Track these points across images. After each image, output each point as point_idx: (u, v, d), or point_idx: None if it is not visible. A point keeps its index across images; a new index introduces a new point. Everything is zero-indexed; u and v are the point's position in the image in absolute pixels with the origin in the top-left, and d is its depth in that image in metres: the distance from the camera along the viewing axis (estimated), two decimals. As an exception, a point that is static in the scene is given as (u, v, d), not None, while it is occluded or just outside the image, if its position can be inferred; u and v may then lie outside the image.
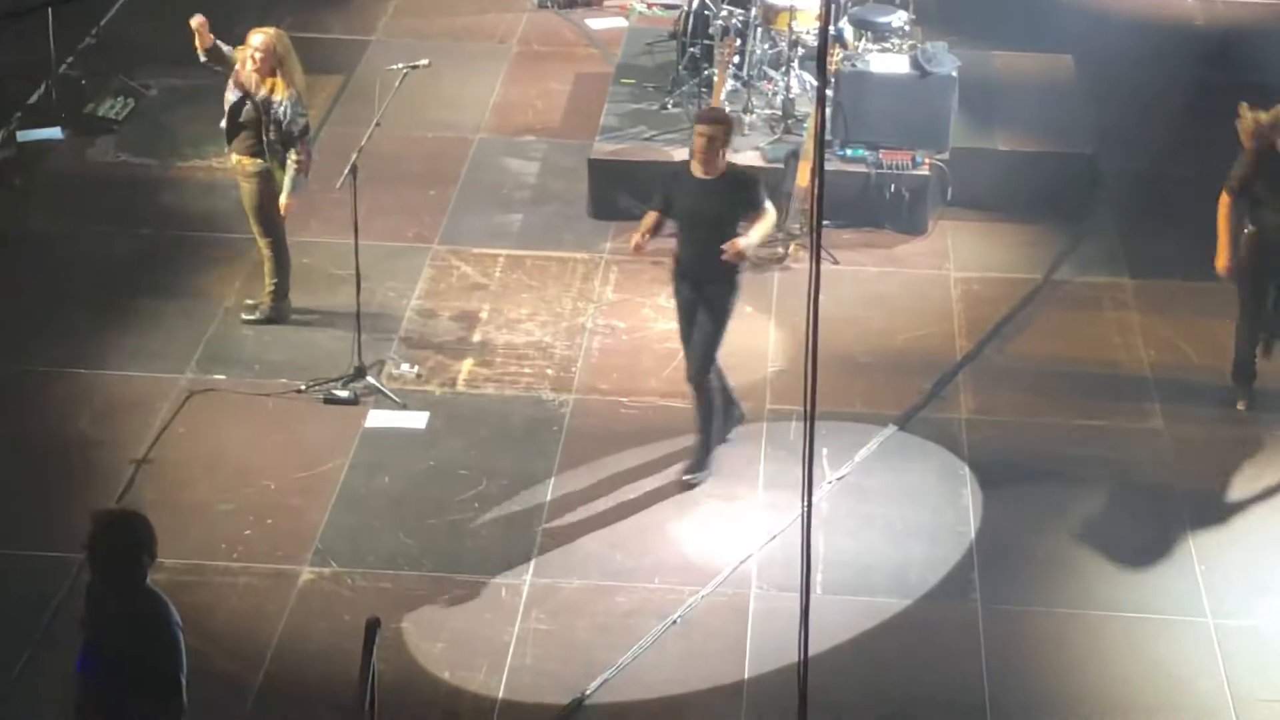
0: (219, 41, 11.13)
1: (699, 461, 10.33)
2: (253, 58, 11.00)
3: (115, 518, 7.29)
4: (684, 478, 10.28)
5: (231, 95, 11.16)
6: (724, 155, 9.89)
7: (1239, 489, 10.41)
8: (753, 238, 9.90)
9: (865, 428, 10.79)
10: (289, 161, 11.08)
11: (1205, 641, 9.30)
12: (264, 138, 11.06)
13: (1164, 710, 8.90)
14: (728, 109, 12.92)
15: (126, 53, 14.91)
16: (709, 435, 10.32)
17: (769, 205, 9.99)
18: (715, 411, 10.30)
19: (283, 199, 11.17)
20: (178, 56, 13.77)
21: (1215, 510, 10.23)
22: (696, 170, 9.92)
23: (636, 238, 10.01)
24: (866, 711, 8.86)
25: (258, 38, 11.02)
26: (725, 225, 9.85)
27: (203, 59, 11.23)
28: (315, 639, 9.22)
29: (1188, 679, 9.08)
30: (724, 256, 9.77)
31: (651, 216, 10.07)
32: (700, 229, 9.90)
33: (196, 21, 11.01)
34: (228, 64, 11.18)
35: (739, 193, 9.94)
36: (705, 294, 10.02)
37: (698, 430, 10.33)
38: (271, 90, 11.02)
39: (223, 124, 11.24)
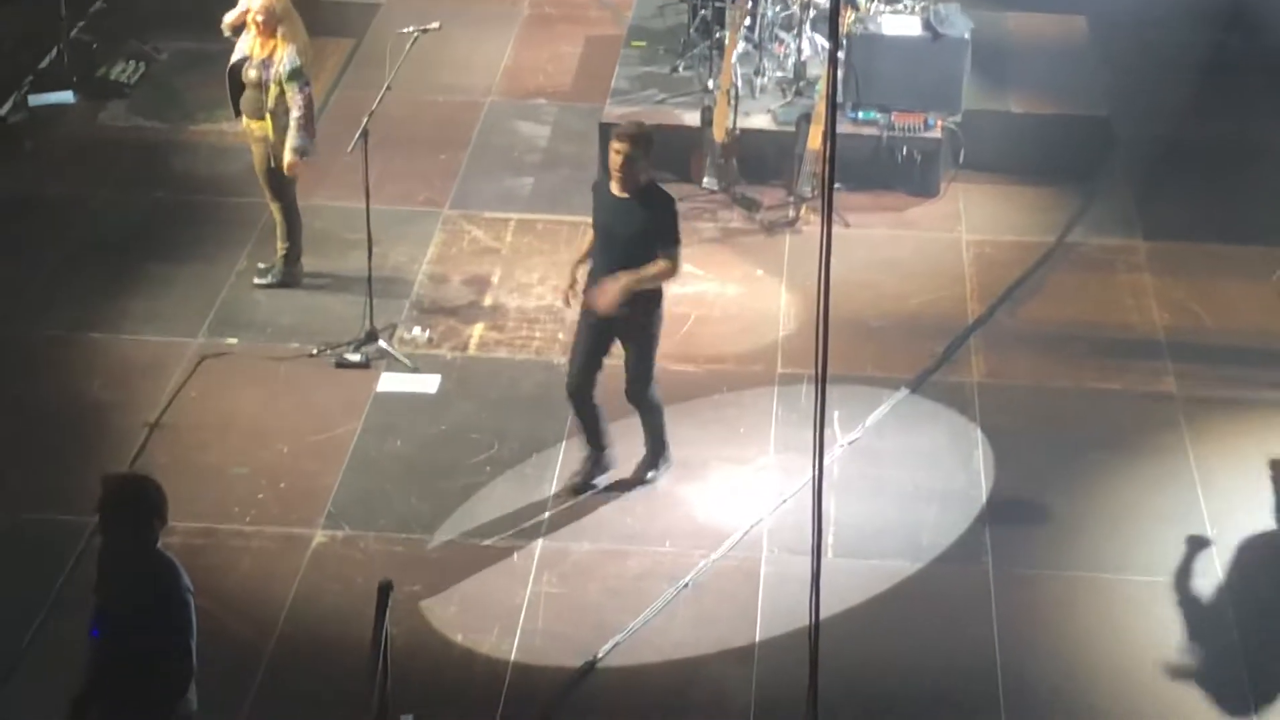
0: None
1: (653, 458, 10.02)
2: (254, 21, 10.98)
3: (125, 482, 7.31)
4: (646, 476, 10.01)
5: (235, 57, 11.16)
6: (642, 172, 9.35)
7: (1251, 451, 10.40)
8: (626, 280, 9.33)
9: (877, 391, 10.79)
10: (292, 119, 11.04)
11: (1217, 604, 9.30)
12: (263, 100, 11.05)
13: (1175, 673, 8.90)
14: (739, 72, 12.90)
15: (137, 16, 14.88)
16: (658, 431, 9.96)
17: (675, 252, 9.42)
18: (659, 410, 9.93)
19: (286, 158, 11.13)
20: (189, 20, 13.82)
21: (1227, 473, 10.22)
22: (614, 187, 9.42)
23: (566, 288, 9.78)
24: (878, 675, 8.88)
25: (256, 0, 11.01)
26: (640, 245, 9.37)
27: (228, 34, 11.25)
28: (328, 602, 9.24)
29: (1200, 642, 9.09)
30: (598, 305, 9.39)
31: (589, 237, 9.75)
32: (614, 247, 9.44)
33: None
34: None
35: (652, 215, 9.38)
36: (621, 314, 9.46)
37: (648, 434, 9.98)
38: (272, 51, 11.00)
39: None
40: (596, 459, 10.02)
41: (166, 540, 7.26)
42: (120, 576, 7.12)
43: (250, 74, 11.08)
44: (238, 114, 11.34)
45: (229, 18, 11.23)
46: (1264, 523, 9.86)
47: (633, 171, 9.33)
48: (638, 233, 9.39)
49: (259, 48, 11.05)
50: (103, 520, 7.12)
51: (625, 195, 9.40)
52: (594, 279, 9.58)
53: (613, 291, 9.37)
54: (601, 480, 9.99)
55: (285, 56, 10.97)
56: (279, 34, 10.99)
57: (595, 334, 9.65)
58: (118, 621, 7.08)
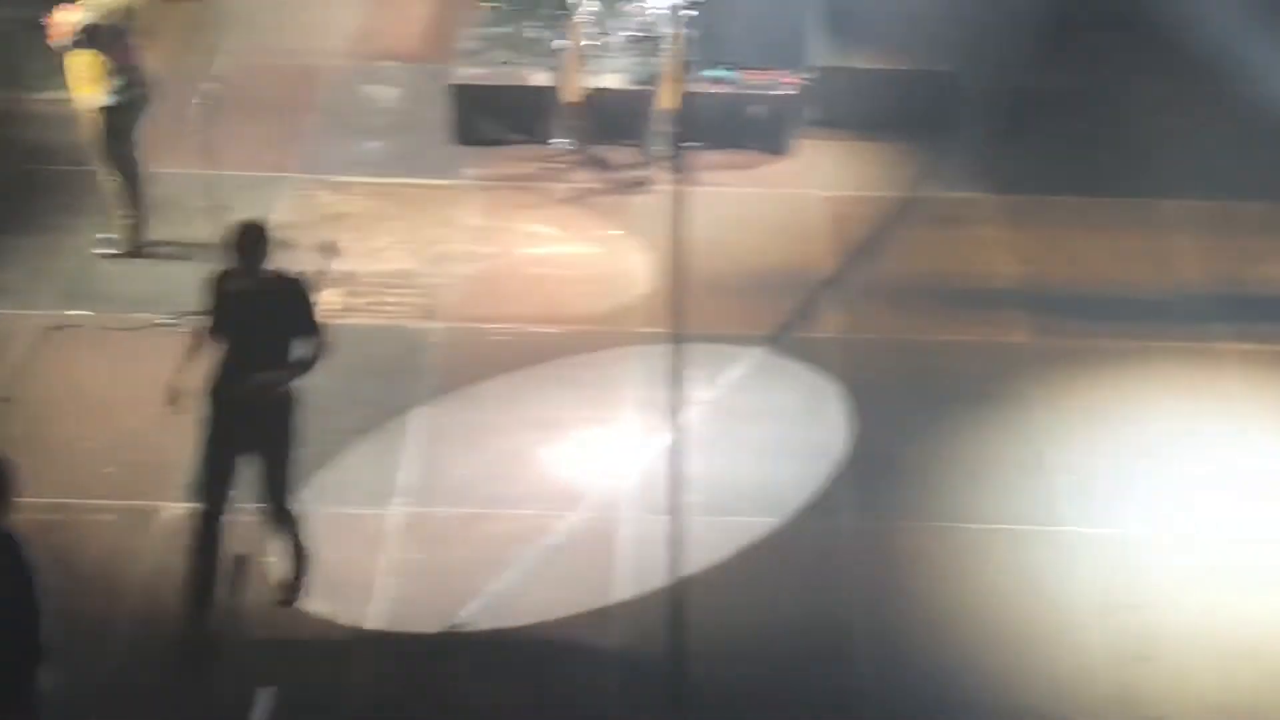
0: None
1: (300, 569, 8.90)
2: None
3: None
4: (296, 595, 8.90)
5: None
6: (265, 261, 8.59)
7: (1102, 399, 10.54)
8: (278, 375, 8.59)
9: (734, 348, 10.81)
10: None
11: (1069, 550, 9.42)
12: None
13: (1029, 619, 9.00)
14: (589, 31, 12.82)
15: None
16: (300, 540, 8.87)
17: (324, 336, 8.67)
18: (300, 519, 8.89)
19: None
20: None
21: (1078, 420, 10.35)
22: (240, 284, 8.62)
23: (175, 397, 8.70)
24: (738, 630, 8.90)
25: None
26: (280, 337, 8.64)
27: None
28: (182, 574, 9.10)
29: (1053, 588, 9.20)
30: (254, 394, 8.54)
31: (196, 337, 8.78)
32: (249, 343, 8.60)
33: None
34: None
35: (290, 303, 8.63)
36: (263, 420, 8.61)
37: (291, 546, 8.88)
38: None
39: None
40: (200, 619, 8.69)
41: (16, 517, 7.12)
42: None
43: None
44: None
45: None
46: (1115, 467, 9.99)
47: (257, 267, 8.56)
48: (276, 325, 8.63)
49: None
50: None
51: (254, 289, 8.60)
52: (225, 383, 8.62)
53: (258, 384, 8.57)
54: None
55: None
56: None
57: (231, 447, 8.66)
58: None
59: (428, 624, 8.88)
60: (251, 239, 8.58)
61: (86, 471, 9.75)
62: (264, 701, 8.27)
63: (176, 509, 9.51)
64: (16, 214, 11.90)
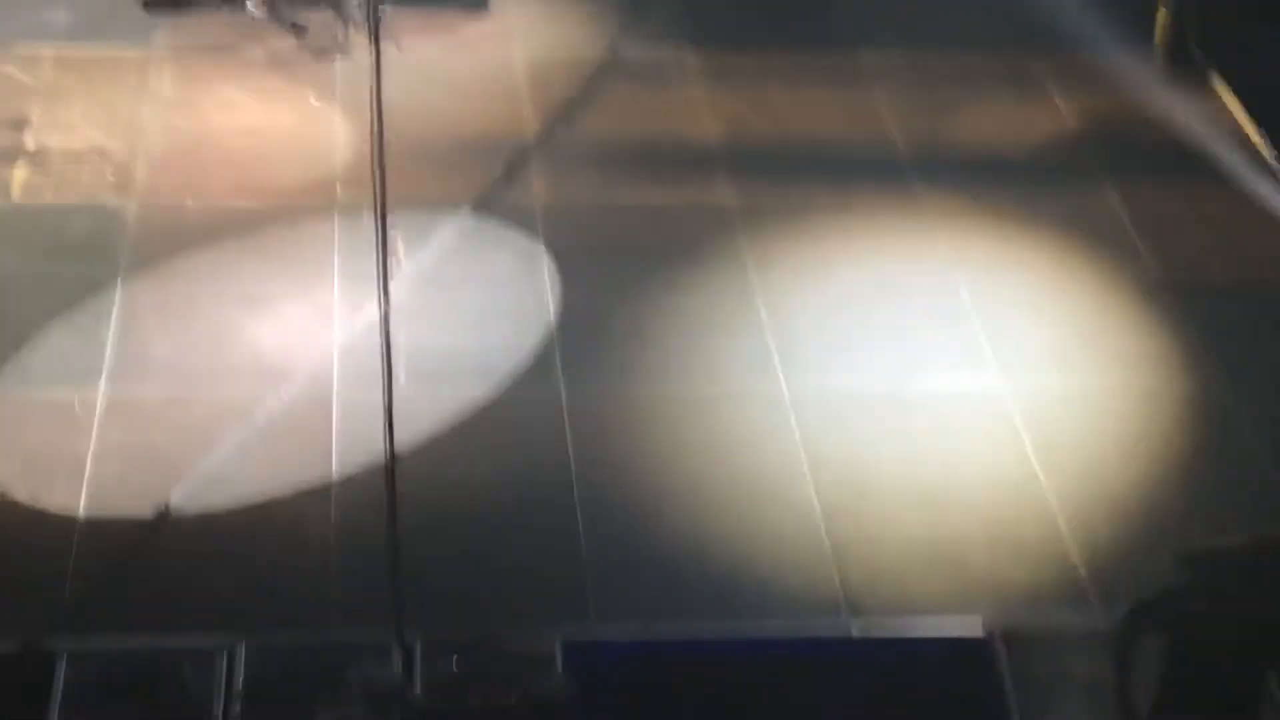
0: None
1: None
2: None
3: None
4: None
5: None
6: None
7: (810, 257, 10.68)
8: None
9: (440, 216, 10.71)
10: None
11: (779, 406, 9.56)
12: None
13: (744, 476, 9.14)
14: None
15: None
16: None
17: None
18: None
19: None
20: None
21: (787, 279, 10.47)
22: None
23: None
24: (456, 499, 8.89)
25: None
26: None
27: None
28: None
29: (764, 444, 9.34)
30: None
31: None
32: None
33: None
34: None
35: None
36: None
37: None
38: None
39: None
40: None
41: None
42: None
43: None
44: None
45: None
46: (822, 322, 10.15)
47: None
48: None
49: None
50: None
51: None
52: None
53: None
54: None
55: None
56: None
57: None
58: None
59: (138, 508, 8.70)
60: None
61: None
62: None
63: None
64: None
